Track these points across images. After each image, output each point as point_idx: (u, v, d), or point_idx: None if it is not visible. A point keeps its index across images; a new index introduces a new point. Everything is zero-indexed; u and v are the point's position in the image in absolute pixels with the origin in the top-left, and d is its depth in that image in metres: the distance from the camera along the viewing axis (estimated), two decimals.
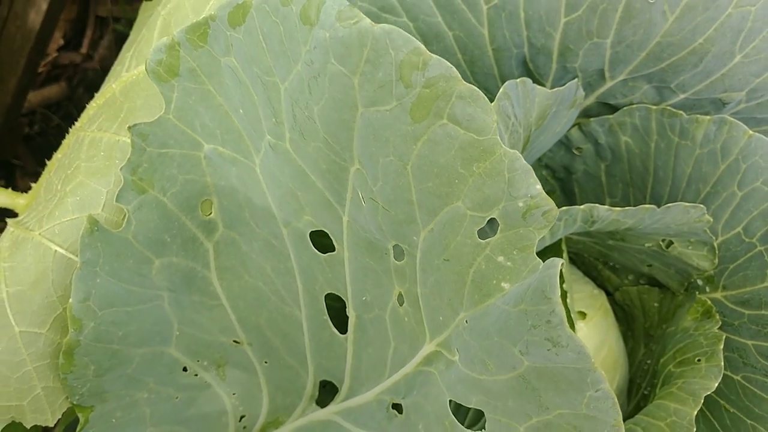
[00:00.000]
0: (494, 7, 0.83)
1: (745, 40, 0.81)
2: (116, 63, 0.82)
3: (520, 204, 0.50)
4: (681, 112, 0.88)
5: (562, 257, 0.77)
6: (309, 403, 0.77)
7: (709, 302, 0.92)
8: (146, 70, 0.60)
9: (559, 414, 0.49)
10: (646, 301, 1.04)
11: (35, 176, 0.83)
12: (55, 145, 0.81)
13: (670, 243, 0.92)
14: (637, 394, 1.00)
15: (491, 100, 0.53)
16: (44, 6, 1.31)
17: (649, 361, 1.00)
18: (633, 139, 0.94)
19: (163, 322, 0.69)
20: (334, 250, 0.67)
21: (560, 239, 0.94)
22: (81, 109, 0.81)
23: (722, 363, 0.83)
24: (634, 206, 0.80)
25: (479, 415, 0.78)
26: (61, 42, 1.72)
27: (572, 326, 0.48)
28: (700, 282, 0.95)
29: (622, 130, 0.94)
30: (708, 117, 0.86)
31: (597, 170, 1.01)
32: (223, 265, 0.70)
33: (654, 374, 0.96)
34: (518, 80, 0.74)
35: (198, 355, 0.72)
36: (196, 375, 0.73)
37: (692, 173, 0.90)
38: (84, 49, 1.75)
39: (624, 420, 0.69)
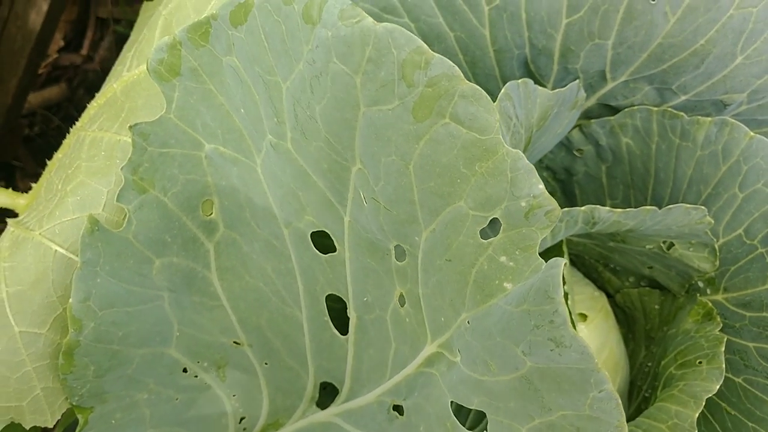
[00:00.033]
0: (496, 8, 0.83)
1: (746, 41, 0.81)
2: (117, 63, 0.82)
3: (523, 204, 0.50)
4: (682, 113, 0.88)
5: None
6: (309, 404, 0.76)
7: (710, 304, 0.92)
8: (147, 69, 0.60)
9: (562, 415, 0.49)
10: (646, 303, 1.04)
11: (35, 177, 0.82)
12: (55, 147, 0.81)
13: (671, 245, 0.92)
14: (637, 397, 1.00)
15: (493, 101, 0.53)
16: (45, 7, 1.31)
17: (650, 364, 1.00)
18: (634, 140, 0.94)
19: (164, 323, 0.69)
20: (335, 250, 0.67)
21: (561, 241, 0.93)
22: (81, 110, 0.81)
23: (724, 365, 0.83)
24: (635, 208, 0.80)
25: (480, 417, 0.77)
26: (62, 43, 1.72)
27: (573, 328, 0.48)
28: (701, 284, 0.95)
29: (623, 132, 0.94)
30: (709, 119, 0.86)
31: (598, 172, 1.01)
32: (223, 266, 0.70)
33: (655, 377, 0.95)
34: (520, 81, 0.73)
35: (198, 356, 0.72)
36: (196, 376, 0.73)
37: (693, 175, 0.90)
38: (84, 51, 1.75)
39: None
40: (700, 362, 0.85)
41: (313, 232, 0.67)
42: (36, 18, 1.33)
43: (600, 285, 1.09)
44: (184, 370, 0.72)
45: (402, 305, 0.64)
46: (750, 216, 0.87)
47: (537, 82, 0.90)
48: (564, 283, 0.81)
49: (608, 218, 0.81)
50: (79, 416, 0.67)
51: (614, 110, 0.94)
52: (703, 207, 0.82)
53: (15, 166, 1.58)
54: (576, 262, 1.10)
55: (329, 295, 0.70)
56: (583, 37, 0.84)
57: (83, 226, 0.62)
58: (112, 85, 0.73)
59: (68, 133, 0.80)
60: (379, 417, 0.69)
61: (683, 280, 0.96)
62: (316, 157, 0.60)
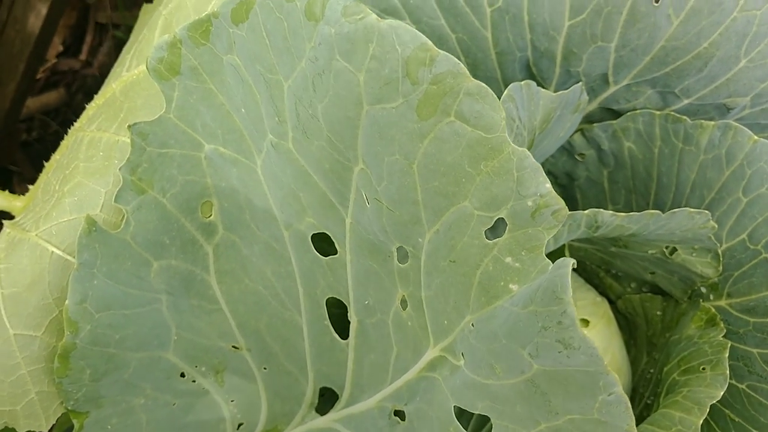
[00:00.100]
0: (498, 10, 0.82)
1: (750, 44, 0.81)
2: (116, 65, 0.81)
3: (529, 203, 0.49)
4: (685, 117, 0.87)
5: None
6: (308, 410, 0.75)
7: (714, 310, 0.91)
8: (147, 67, 0.60)
9: (569, 419, 0.48)
10: (648, 309, 1.03)
11: (33, 182, 0.82)
12: (53, 152, 0.80)
13: (674, 250, 0.91)
14: (640, 404, 0.99)
15: None
16: (44, 10, 1.30)
17: (652, 370, 0.99)
18: (636, 144, 0.93)
19: (161, 326, 0.68)
20: (335, 252, 0.66)
21: (563, 246, 0.93)
22: (80, 115, 0.80)
23: (727, 371, 0.82)
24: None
25: (483, 421, 0.76)
26: (61, 48, 1.72)
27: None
28: (703, 290, 0.94)
29: (625, 136, 0.93)
30: (712, 122, 0.86)
31: (599, 176, 1.00)
32: (222, 269, 0.69)
33: (657, 383, 0.94)
34: (523, 83, 0.73)
35: (196, 361, 0.71)
36: (194, 381, 0.72)
37: (696, 179, 0.90)
38: (83, 56, 1.74)
39: None
40: (703, 368, 0.84)
41: (313, 234, 0.66)
42: (35, 22, 1.32)
43: (601, 291, 1.08)
44: (182, 375, 0.71)
45: (404, 308, 0.63)
46: (754, 220, 0.86)
47: (539, 85, 0.89)
48: None
49: (611, 222, 0.80)
50: (74, 421, 0.66)
51: (616, 114, 0.94)
52: (706, 211, 0.81)
53: (12, 171, 1.57)
54: (577, 267, 1.09)
55: (330, 299, 0.69)
56: (586, 40, 0.83)
57: (80, 227, 0.61)
58: (111, 86, 0.72)
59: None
60: (380, 422, 0.68)
61: (686, 286, 0.96)
62: (318, 156, 0.59)
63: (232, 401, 0.75)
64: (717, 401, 0.80)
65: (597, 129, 0.95)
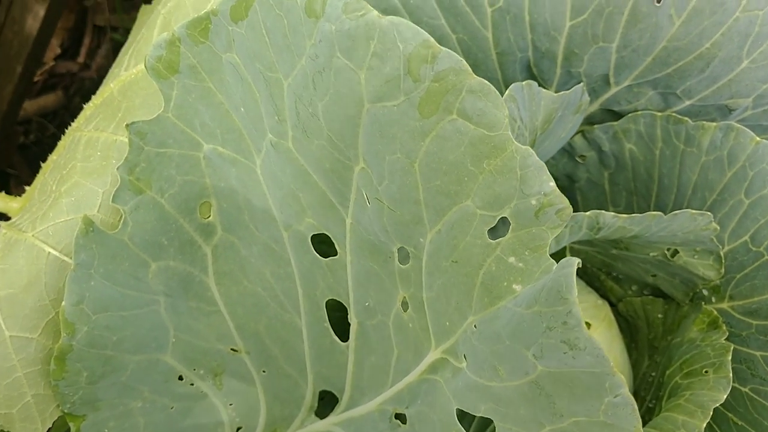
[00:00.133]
0: (498, 10, 0.82)
1: (752, 44, 0.80)
2: (114, 65, 0.81)
3: (533, 202, 0.48)
4: (686, 118, 0.87)
5: None
6: (308, 414, 0.75)
7: (716, 313, 0.90)
8: (145, 66, 0.59)
9: (574, 422, 0.47)
10: (650, 312, 1.02)
11: (30, 186, 0.81)
12: (50, 155, 0.79)
13: (676, 252, 0.91)
14: (642, 407, 0.98)
15: None
16: (41, 12, 1.30)
17: (653, 374, 0.99)
18: (637, 146, 0.93)
19: (159, 328, 0.67)
20: (335, 254, 0.65)
21: (564, 248, 0.92)
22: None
23: (731, 374, 0.81)
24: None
25: (485, 424, 0.75)
26: (58, 51, 1.71)
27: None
28: (705, 292, 0.94)
29: (626, 138, 0.93)
30: (714, 123, 0.85)
31: (600, 178, 1.00)
32: (221, 270, 0.68)
33: (659, 386, 0.94)
34: (524, 83, 0.72)
35: (194, 364, 0.70)
36: (192, 384, 0.71)
37: (698, 181, 0.89)
38: (81, 58, 1.74)
39: None
40: (706, 371, 0.83)
41: (313, 235, 0.66)
42: (33, 23, 1.32)
43: (602, 294, 1.07)
44: (180, 378, 0.70)
45: (405, 310, 0.62)
46: (756, 222, 0.85)
47: (540, 86, 0.88)
48: None
49: (613, 224, 0.80)
50: (70, 424, 0.65)
51: (617, 116, 0.93)
52: (709, 213, 0.81)
53: (9, 174, 1.56)
54: (578, 270, 1.08)
55: (329, 301, 0.69)
56: (587, 40, 0.83)
57: (77, 227, 0.60)
58: (109, 85, 0.72)
59: None
60: (380, 426, 0.67)
61: (687, 289, 0.95)
62: (318, 156, 0.58)
63: (230, 405, 0.74)
64: (720, 405, 0.80)
65: (598, 130, 0.94)
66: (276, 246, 0.67)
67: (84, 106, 0.79)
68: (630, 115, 0.91)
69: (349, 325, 0.68)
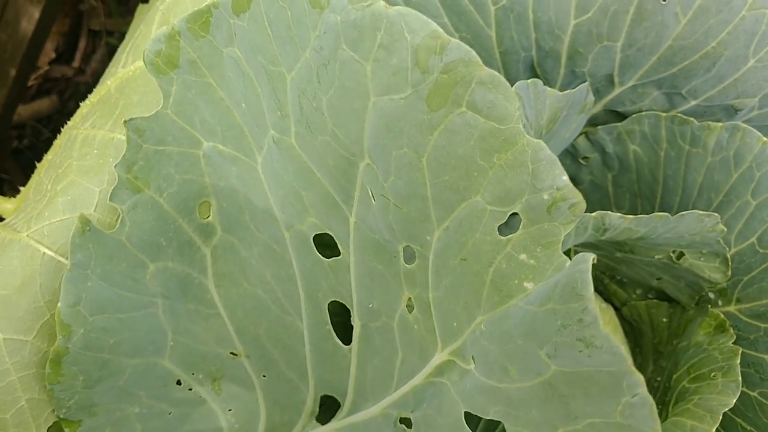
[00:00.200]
0: (502, 8, 0.81)
1: (758, 43, 0.79)
2: (111, 64, 0.79)
3: (545, 196, 0.47)
4: (692, 119, 0.86)
5: None
6: (309, 419, 0.73)
7: (723, 316, 0.89)
8: (144, 61, 0.58)
9: (589, 424, 0.46)
10: (654, 316, 1.01)
11: None
12: None
13: (681, 255, 0.90)
14: None
15: None
16: (36, 14, 1.28)
17: (659, 378, 0.97)
18: (642, 147, 0.92)
19: (157, 331, 0.66)
20: (338, 254, 0.63)
21: (569, 250, 0.91)
22: None
23: (740, 378, 0.80)
24: None
25: (491, 427, 0.74)
26: (53, 55, 1.70)
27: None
28: (711, 295, 0.92)
29: (630, 139, 0.92)
30: (720, 124, 0.84)
31: (604, 180, 0.99)
32: (220, 272, 0.67)
33: (665, 391, 0.92)
34: (529, 81, 0.71)
35: (193, 368, 0.69)
36: (191, 389, 0.69)
37: (704, 182, 0.88)
38: (76, 63, 1.73)
39: None
40: (714, 375, 0.82)
41: (315, 234, 0.64)
42: (27, 26, 1.30)
43: (606, 298, 1.06)
44: (178, 383, 0.69)
45: (410, 311, 0.60)
46: (763, 224, 0.84)
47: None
48: None
49: (619, 225, 0.78)
50: (66, 430, 0.64)
51: (621, 116, 0.92)
52: (716, 214, 0.79)
53: (3, 179, 1.55)
54: None
55: (332, 303, 0.67)
56: (592, 39, 0.82)
57: (74, 226, 0.59)
58: (106, 83, 0.70)
59: None
60: (384, 431, 0.65)
61: (693, 292, 0.94)
62: (322, 152, 0.57)
63: (229, 410, 0.72)
64: (728, 409, 0.78)
65: (601, 131, 0.93)
66: (277, 247, 0.66)
67: None
68: (634, 115, 0.90)
69: (351, 327, 0.66)
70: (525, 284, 0.48)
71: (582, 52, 0.83)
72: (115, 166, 0.59)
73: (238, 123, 0.61)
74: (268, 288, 0.68)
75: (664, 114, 0.88)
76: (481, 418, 0.73)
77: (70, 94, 1.73)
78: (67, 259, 0.61)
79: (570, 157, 0.98)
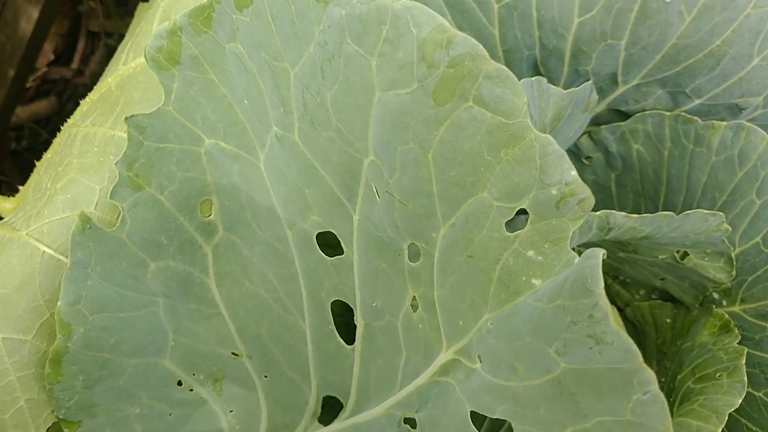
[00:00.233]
0: (506, 6, 0.80)
1: (763, 41, 0.79)
2: (111, 62, 0.79)
3: (554, 192, 0.46)
4: (696, 118, 0.85)
5: None
6: (311, 420, 0.72)
7: (727, 316, 0.89)
8: (145, 57, 0.57)
9: (598, 422, 0.45)
10: (658, 316, 1.00)
11: None
12: None
13: (685, 254, 0.89)
14: None
15: None
16: (35, 14, 1.28)
17: (662, 379, 0.96)
18: (645, 147, 0.91)
19: (158, 331, 0.65)
20: (341, 252, 0.63)
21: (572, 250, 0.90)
22: None
23: (745, 378, 0.79)
24: None
25: (496, 426, 0.73)
26: (52, 57, 1.70)
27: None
28: (716, 295, 0.92)
29: (634, 138, 0.91)
30: (724, 122, 0.84)
31: (607, 180, 0.98)
32: (222, 271, 0.66)
33: (669, 392, 0.92)
34: (533, 79, 0.70)
35: (194, 368, 0.68)
36: (192, 390, 0.69)
37: (708, 181, 0.88)
38: (75, 64, 1.72)
39: None
40: (720, 375, 0.81)
41: (318, 233, 0.64)
42: (26, 26, 1.30)
43: (609, 299, 1.05)
44: (179, 383, 0.68)
45: (414, 310, 0.60)
46: None
47: None
48: None
49: (624, 224, 0.78)
50: (65, 431, 0.63)
51: (625, 116, 0.92)
52: (721, 213, 0.79)
53: (1, 181, 1.54)
54: None
55: (335, 302, 0.66)
56: (596, 38, 0.81)
57: (74, 224, 0.58)
58: (107, 80, 0.69)
59: None
60: (388, 431, 0.64)
61: (697, 292, 0.93)
62: (325, 149, 0.56)
63: (230, 412, 0.71)
64: (734, 410, 0.78)
65: (605, 131, 0.93)
66: (279, 245, 0.65)
67: None
68: (638, 115, 0.89)
69: (354, 327, 0.65)
70: (533, 281, 0.48)
71: (586, 50, 0.82)
72: (115, 164, 0.59)
73: (240, 120, 0.60)
74: (270, 287, 0.67)
75: (667, 113, 0.87)
76: (486, 417, 0.72)
77: (69, 95, 1.72)
78: (66, 257, 0.60)
79: (573, 156, 0.98)
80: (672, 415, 0.85)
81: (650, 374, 0.41)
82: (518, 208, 0.48)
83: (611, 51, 0.82)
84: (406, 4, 0.47)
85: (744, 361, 0.81)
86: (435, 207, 0.52)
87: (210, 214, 0.63)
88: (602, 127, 0.93)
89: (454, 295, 0.54)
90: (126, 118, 0.58)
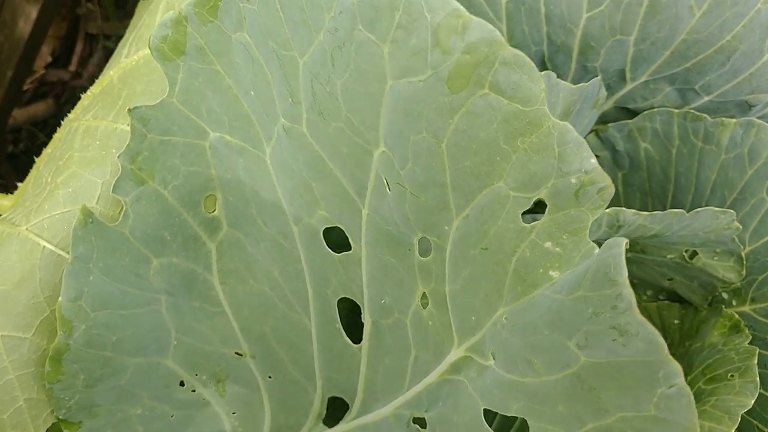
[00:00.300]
0: (513, 1, 0.79)
1: None
2: (112, 57, 0.77)
3: (573, 180, 0.45)
4: (705, 115, 0.84)
5: None
6: (316, 422, 0.71)
7: (737, 316, 0.87)
8: (149, 47, 0.56)
9: (621, 417, 0.43)
10: (666, 317, 0.99)
11: None
12: None
13: (694, 254, 0.88)
14: None
15: None
16: (33, 14, 1.26)
17: None
18: (653, 145, 0.90)
19: (161, 329, 0.63)
20: (349, 248, 0.61)
21: None
22: None
23: (757, 379, 0.78)
24: None
25: (508, 425, 0.71)
26: (50, 59, 1.69)
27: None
28: (725, 295, 0.91)
29: (641, 136, 0.90)
30: (734, 120, 0.83)
31: (614, 179, 0.96)
32: (226, 268, 0.64)
33: None
34: (543, 73, 0.69)
35: (197, 368, 0.66)
36: (194, 390, 0.67)
37: (717, 180, 0.86)
38: (73, 67, 1.71)
39: None
40: (731, 376, 0.80)
41: (325, 230, 0.62)
42: (24, 26, 1.28)
43: None
44: (181, 384, 0.66)
45: (424, 307, 0.58)
46: None
47: None
48: None
49: (633, 221, 0.77)
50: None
51: (632, 113, 0.91)
52: (731, 210, 0.78)
53: None
54: None
55: (342, 300, 0.65)
56: (604, 33, 0.80)
57: (75, 219, 0.57)
58: (109, 73, 0.68)
59: None
60: None
61: (706, 292, 0.92)
62: (335, 140, 0.55)
63: (233, 413, 0.70)
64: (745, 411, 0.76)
65: (612, 129, 0.92)
66: (285, 242, 0.64)
67: None
68: (646, 112, 0.88)
69: (362, 325, 0.64)
70: (550, 273, 0.46)
71: (594, 46, 0.81)
72: (118, 157, 0.57)
73: (246, 112, 0.59)
74: (275, 285, 0.65)
75: (676, 110, 0.86)
76: (496, 414, 0.71)
77: (67, 98, 1.71)
78: (67, 252, 0.59)
79: None
80: None
81: (676, 366, 0.39)
82: (535, 198, 0.47)
83: (620, 47, 0.81)
84: None
85: (755, 362, 0.80)
86: (448, 198, 0.50)
87: (214, 210, 0.62)
88: (609, 125, 0.92)
89: (467, 290, 0.52)
90: (129, 110, 0.56)
